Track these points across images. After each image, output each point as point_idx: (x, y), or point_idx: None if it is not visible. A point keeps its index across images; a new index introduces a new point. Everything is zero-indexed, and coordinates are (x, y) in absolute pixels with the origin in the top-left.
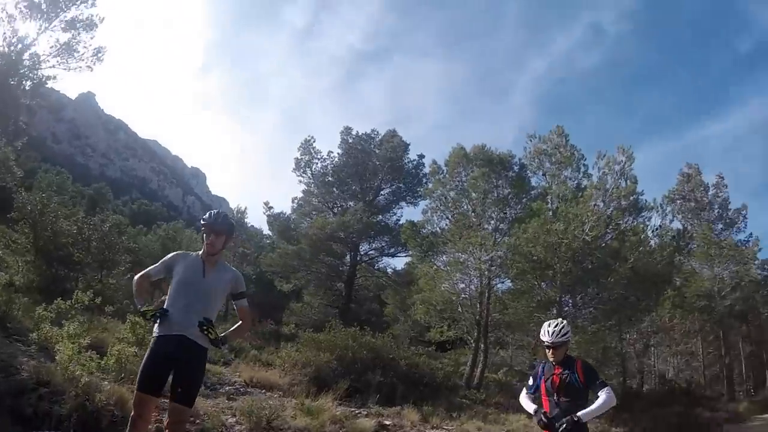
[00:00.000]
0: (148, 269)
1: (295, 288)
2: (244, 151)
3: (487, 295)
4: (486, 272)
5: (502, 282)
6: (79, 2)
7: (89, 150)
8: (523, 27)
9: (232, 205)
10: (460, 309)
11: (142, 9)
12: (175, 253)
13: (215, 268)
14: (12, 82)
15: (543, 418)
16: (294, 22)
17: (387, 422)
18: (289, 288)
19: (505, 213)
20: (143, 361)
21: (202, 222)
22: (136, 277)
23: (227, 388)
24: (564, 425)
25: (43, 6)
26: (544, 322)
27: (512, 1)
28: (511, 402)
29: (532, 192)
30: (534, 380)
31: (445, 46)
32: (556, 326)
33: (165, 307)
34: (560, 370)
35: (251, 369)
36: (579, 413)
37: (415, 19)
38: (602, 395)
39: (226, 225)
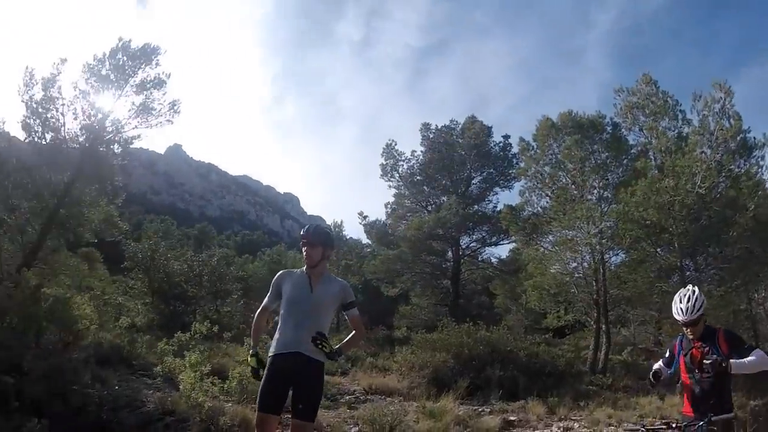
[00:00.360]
0: (264, 302)
1: (401, 291)
2: (330, 167)
3: (601, 271)
4: (597, 246)
5: (616, 254)
6: (143, 65)
7: (187, 195)
8: None
9: (329, 221)
10: (574, 290)
11: (205, 58)
12: (280, 273)
13: (321, 281)
14: (101, 149)
15: (651, 378)
16: (350, 35)
17: (512, 418)
18: (396, 292)
19: (607, 179)
20: (262, 381)
21: (300, 237)
22: (255, 315)
23: (347, 397)
24: (711, 362)
25: (111, 76)
26: (666, 291)
27: None
28: (640, 384)
29: (632, 151)
30: (671, 355)
31: (504, 22)
32: (688, 301)
33: (278, 326)
34: (700, 343)
35: (369, 376)
36: (731, 360)
37: (468, 0)
38: (754, 354)
39: (317, 234)
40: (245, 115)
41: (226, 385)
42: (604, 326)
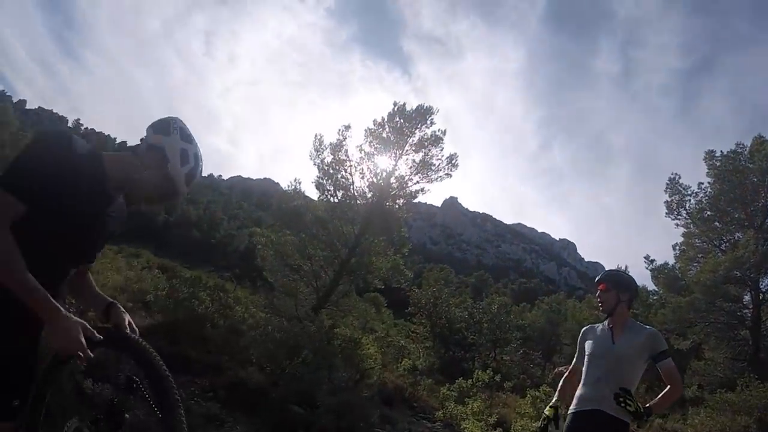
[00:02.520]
0: (573, 364)
1: (693, 344)
2: (606, 209)
3: None
4: None
5: None
6: (420, 125)
7: (463, 245)
8: None
9: (609, 267)
10: None
11: (470, 114)
12: (583, 329)
13: (624, 330)
14: (387, 204)
15: None
16: (608, 70)
17: None
18: (688, 345)
19: None
20: None
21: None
22: (562, 379)
23: None
24: None
25: (391, 138)
26: None
27: None
28: None
29: None
30: None
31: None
32: None
33: (581, 383)
34: None
35: None
36: None
37: (721, 8)
38: None
39: (608, 277)
40: (514, 165)
41: None
42: None
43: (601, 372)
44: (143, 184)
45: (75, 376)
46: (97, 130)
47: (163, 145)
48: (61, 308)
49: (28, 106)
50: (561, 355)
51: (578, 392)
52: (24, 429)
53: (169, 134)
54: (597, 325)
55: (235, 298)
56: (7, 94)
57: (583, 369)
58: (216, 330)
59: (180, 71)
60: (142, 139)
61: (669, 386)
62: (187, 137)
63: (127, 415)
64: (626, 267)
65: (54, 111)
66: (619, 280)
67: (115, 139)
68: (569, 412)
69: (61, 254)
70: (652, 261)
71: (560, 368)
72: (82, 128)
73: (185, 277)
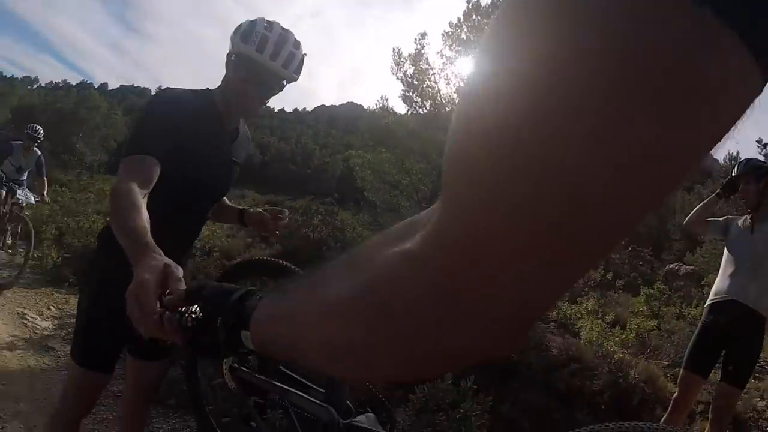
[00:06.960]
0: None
1: None
2: None
3: None
4: None
5: None
6: None
7: None
8: None
9: (717, 155)
10: None
11: None
12: (725, 218)
13: (766, 220)
14: None
15: None
16: None
17: None
18: None
19: None
20: (694, 335)
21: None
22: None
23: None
24: None
25: (472, 38)
26: None
27: None
28: None
29: None
30: None
31: None
32: None
33: (719, 276)
34: None
35: None
36: None
37: None
38: None
39: (747, 167)
40: None
41: (624, 337)
42: None
43: (739, 264)
44: (232, 88)
45: None
46: None
47: (231, 44)
48: (151, 255)
49: (110, 88)
50: (671, 252)
51: (715, 286)
52: (184, 368)
53: (236, 33)
54: (739, 218)
55: (342, 221)
56: (89, 82)
57: (722, 262)
58: (331, 252)
59: (242, 16)
60: None
61: None
62: (251, 23)
63: None
64: (737, 153)
65: (135, 85)
66: (761, 169)
67: None
68: (705, 305)
69: (193, 197)
70: (765, 145)
71: (672, 265)
72: None
73: (295, 206)
